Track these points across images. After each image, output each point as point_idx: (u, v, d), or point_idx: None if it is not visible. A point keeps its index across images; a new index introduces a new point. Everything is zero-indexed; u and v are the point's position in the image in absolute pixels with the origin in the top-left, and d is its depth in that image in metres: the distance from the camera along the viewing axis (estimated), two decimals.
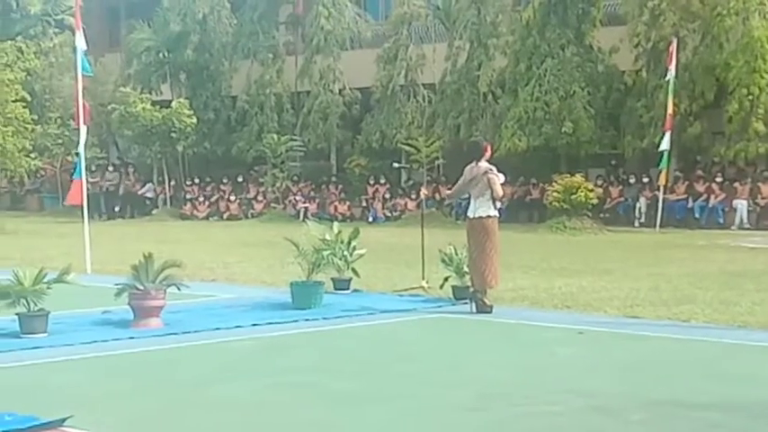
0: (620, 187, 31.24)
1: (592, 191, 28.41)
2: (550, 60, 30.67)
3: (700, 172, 30.19)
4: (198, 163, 39.16)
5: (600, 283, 15.60)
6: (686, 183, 29.97)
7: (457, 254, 13.76)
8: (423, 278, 14.67)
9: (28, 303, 10.84)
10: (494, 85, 32.53)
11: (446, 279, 13.86)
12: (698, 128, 29.32)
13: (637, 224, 29.77)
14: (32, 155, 30.87)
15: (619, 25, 31.37)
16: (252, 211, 35.46)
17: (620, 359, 10.01)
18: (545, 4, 30.72)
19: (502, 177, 13.14)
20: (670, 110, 27.74)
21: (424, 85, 34.59)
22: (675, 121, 28.28)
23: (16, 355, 9.90)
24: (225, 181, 37.32)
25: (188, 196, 37.09)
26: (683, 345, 10.83)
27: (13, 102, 29.57)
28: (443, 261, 13.89)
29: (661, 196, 28.41)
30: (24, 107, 30.13)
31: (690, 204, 29.60)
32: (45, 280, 10.97)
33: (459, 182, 13.44)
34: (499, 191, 12.98)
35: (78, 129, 19.07)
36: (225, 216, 35.29)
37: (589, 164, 32.36)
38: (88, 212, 19.08)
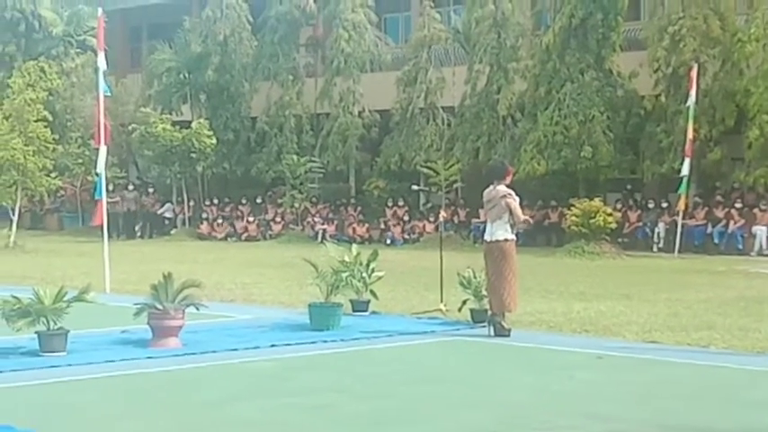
0: (639, 212, 31.14)
1: (610, 215, 28.35)
2: (570, 84, 30.67)
3: (719, 198, 30.08)
4: (217, 183, 39.27)
5: (618, 308, 15.55)
6: (705, 208, 29.87)
7: (475, 277, 13.75)
8: (441, 301, 14.66)
9: (47, 322, 10.88)
10: (513, 109, 32.54)
11: (464, 302, 13.85)
12: (718, 153, 29.25)
13: (655, 249, 29.66)
14: (53, 174, 31.03)
15: (639, 50, 31.37)
16: (270, 232, 35.50)
17: (639, 384, 9.97)
18: (565, 29, 30.73)
19: (517, 201, 13.12)
20: (690, 135, 27.68)
21: (443, 107, 34.62)
22: (695, 146, 28.21)
23: (35, 374, 9.93)
24: (243, 202, 37.39)
25: (206, 216, 37.17)
26: (702, 371, 10.78)
27: (34, 121, 29.75)
28: (462, 284, 13.87)
29: (680, 221, 28.32)
30: (46, 127, 30.29)
31: (709, 230, 29.48)
32: (65, 299, 11.01)
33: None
34: (520, 215, 12.97)
35: (98, 149, 19.17)
36: (243, 237, 35.34)
37: (608, 188, 32.30)
38: (108, 232, 19.13)
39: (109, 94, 19.70)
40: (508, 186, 13.11)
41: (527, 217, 13.16)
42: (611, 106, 30.90)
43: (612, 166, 30.82)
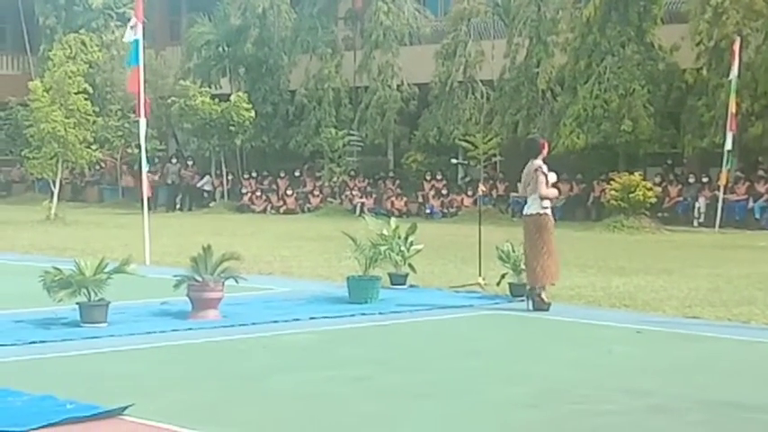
0: (679, 186, 30.91)
1: (650, 190, 28.15)
2: (610, 58, 30.45)
3: (761, 172, 29.80)
4: (255, 156, 39.36)
5: (658, 283, 15.48)
6: (747, 183, 29.60)
7: (514, 251, 13.71)
8: (479, 275, 14.64)
9: (89, 293, 10.97)
10: (553, 83, 32.36)
11: (503, 276, 13.83)
12: (759, 128, 28.92)
13: (695, 224, 29.45)
14: (93, 146, 31.20)
15: (680, 23, 31.04)
16: (308, 205, 35.56)
17: (679, 359, 9.94)
18: (606, 2, 30.47)
19: (553, 176, 13.05)
20: (733, 109, 27.41)
21: (482, 81, 34.49)
22: (737, 120, 27.94)
23: (77, 344, 10.03)
24: (282, 175, 37.46)
25: (245, 190, 37.29)
26: (742, 346, 10.73)
27: (75, 94, 29.86)
28: (500, 258, 13.83)
29: (721, 196, 28.09)
30: (86, 99, 30.40)
31: (750, 205, 29.24)
32: (105, 270, 11.09)
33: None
34: (543, 190, 12.81)
35: (138, 121, 19.24)
36: (282, 210, 35.43)
37: (648, 162, 32.08)
38: (148, 204, 19.23)
39: (136, 64, 19.38)
40: (544, 161, 13.07)
41: (551, 192, 12.96)
42: (652, 80, 30.64)
43: (653, 141, 30.59)
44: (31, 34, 46.02)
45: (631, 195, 27.70)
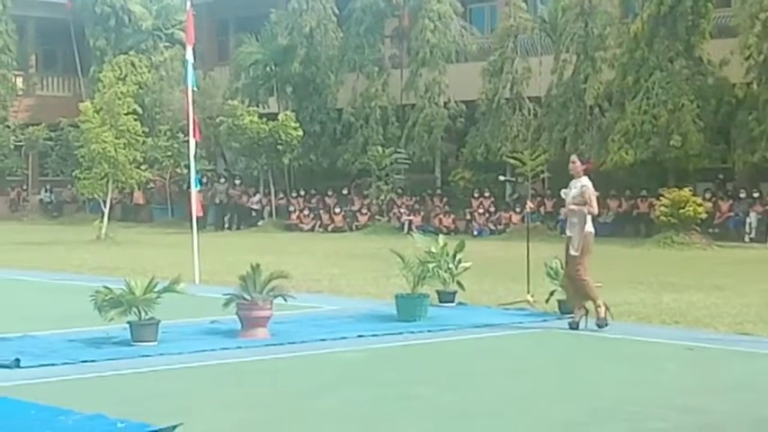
0: (730, 202, 30.63)
1: (700, 205, 27.92)
2: (659, 73, 30.26)
3: None
4: (303, 175, 39.49)
5: (710, 299, 15.32)
6: None
7: (563, 267, 13.65)
8: (528, 292, 14.58)
9: (139, 312, 11.05)
10: (600, 98, 32.20)
11: (552, 293, 13.76)
12: None
13: (747, 239, 29.14)
14: (143, 167, 31.48)
15: (729, 37, 30.78)
16: (356, 223, 35.63)
17: (730, 376, 9.83)
18: (654, 17, 30.30)
19: (572, 192, 12.98)
20: None
21: (529, 98, 34.40)
22: None
23: (127, 363, 10.09)
24: (330, 193, 37.57)
25: (293, 208, 37.42)
26: None
27: (125, 114, 30.17)
28: (549, 275, 13.78)
29: None
30: (136, 120, 30.71)
31: None
32: (155, 289, 11.16)
33: None
34: (567, 206, 12.92)
35: (188, 141, 19.40)
36: (330, 228, 35.51)
37: (698, 178, 31.79)
38: (197, 224, 19.35)
39: (196, 88, 19.87)
40: (588, 178, 13.03)
41: (568, 208, 12.96)
42: (702, 94, 30.39)
43: (702, 156, 30.33)
44: (81, 56, 46.61)
45: (681, 211, 27.49)
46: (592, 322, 12.61)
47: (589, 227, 12.77)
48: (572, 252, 12.69)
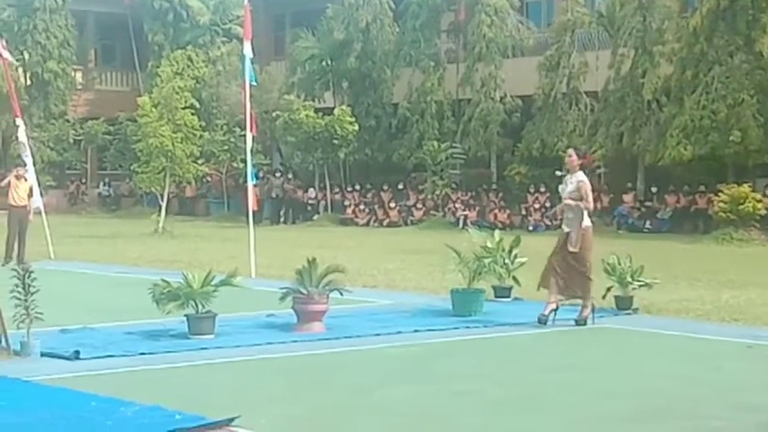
0: None
1: (760, 201, 27.60)
2: (718, 68, 29.93)
3: None
4: (358, 169, 39.56)
5: None
6: None
7: (619, 263, 13.58)
8: None
9: (196, 305, 11.13)
10: (658, 93, 31.92)
11: (608, 289, 13.66)
12: None
13: None
14: (199, 161, 31.67)
15: None
16: (411, 218, 35.63)
17: None
18: (713, 11, 29.98)
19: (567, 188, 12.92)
20: None
21: (586, 92, 34.17)
22: None
23: (185, 356, 10.18)
24: (385, 188, 37.60)
25: (348, 203, 37.50)
26: None
27: (182, 109, 30.38)
28: (606, 271, 13.71)
29: None
30: (193, 114, 30.93)
31: None
32: (212, 283, 11.24)
33: None
34: (563, 203, 12.94)
35: (244, 136, 19.50)
36: (384, 223, 35.55)
37: (757, 173, 31.41)
38: (253, 218, 19.45)
39: (255, 83, 20.01)
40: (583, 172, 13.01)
41: (564, 203, 12.87)
42: (762, 89, 30.00)
43: (762, 151, 29.93)
44: (140, 51, 47.03)
45: (740, 207, 27.20)
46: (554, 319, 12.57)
47: (587, 222, 12.70)
48: (571, 248, 12.60)
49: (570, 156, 13.07)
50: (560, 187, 13.16)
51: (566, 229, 12.80)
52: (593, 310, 12.64)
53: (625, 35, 32.40)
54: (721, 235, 27.29)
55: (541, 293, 15.21)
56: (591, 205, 12.81)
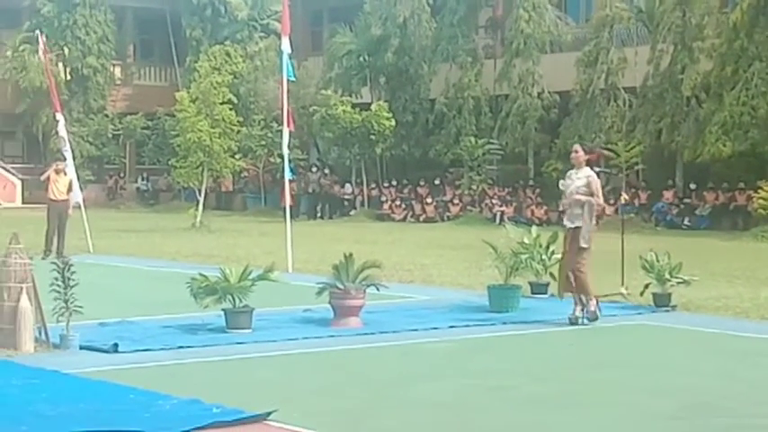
0: None
1: None
2: (759, 63, 29.68)
3: None
4: (395, 165, 39.58)
5: None
6: None
7: (658, 260, 13.50)
8: (622, 284, 14.40)
9: (233, 299, 11.17)
10: (698, 89, 31.71)
11: (647, 286, 13.60)
12: None
13: None
14: (237, 156, 31.78)
15: None
16: (448, 213, 35.60)
17: None
18: (754, 6, 29.74)
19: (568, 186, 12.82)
20: None
21: (624, 88, 33.99)
22: None
23: (222, 350, 10.22)
24: (422, 183, 37.60)
25: (385, 198, 37.52)
26: None
27: (220, 104, 30.50)
28: (644, 267, 13.63)
29: None
30: (231, 109, 31.04)
31: None
32: (250, 277, 11.28)
33: None
34: (570, 198, 12.84)
35: (281, 131, 19.56)
36: (421, 218, 35.54)
37: None
38: (290, 213, 19.49)
39: (293, 78, 20.06)
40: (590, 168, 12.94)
41: (574, 198, 12.74)
42: None
43: None
44: (178, 46, 47.32)
45: None
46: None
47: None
48: (582, 244, 12.51)
49: (576, 151, 12.96)
50: (561, 183, 13.05)
51: (569, 225, 12.71)
52: (582, 308, 12.49)
53: (664, 31, 32.21)
54: (761, 232, 27.10)
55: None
56: (602, 201, 12.74)
